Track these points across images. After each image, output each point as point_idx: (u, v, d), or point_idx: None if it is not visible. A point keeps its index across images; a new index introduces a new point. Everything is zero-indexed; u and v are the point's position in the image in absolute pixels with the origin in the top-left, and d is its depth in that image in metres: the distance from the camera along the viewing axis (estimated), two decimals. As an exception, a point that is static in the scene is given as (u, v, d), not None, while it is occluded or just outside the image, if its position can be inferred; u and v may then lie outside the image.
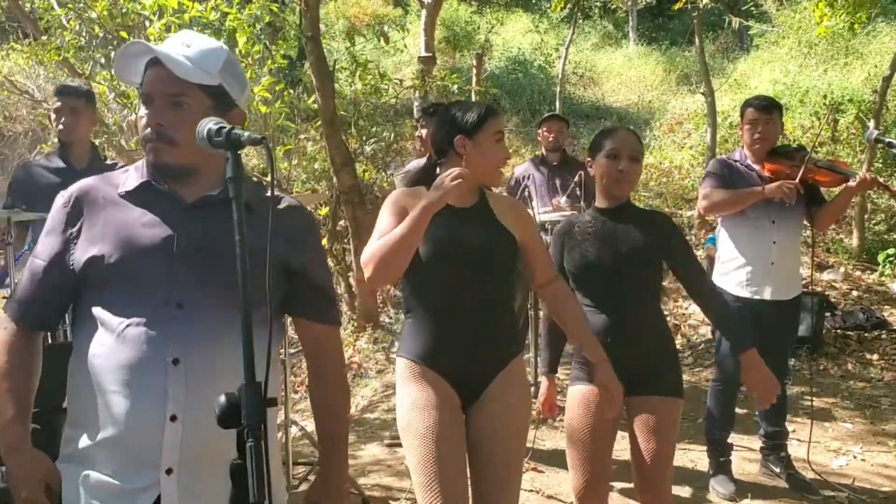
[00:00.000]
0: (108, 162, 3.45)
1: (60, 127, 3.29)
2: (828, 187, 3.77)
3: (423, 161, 4.47)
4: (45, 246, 1.54)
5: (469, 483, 2.11)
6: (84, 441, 1.47)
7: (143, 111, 1.52)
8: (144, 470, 1.43)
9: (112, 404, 1.43)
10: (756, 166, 3.46)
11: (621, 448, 2.63)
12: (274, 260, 1.55)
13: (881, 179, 3.58)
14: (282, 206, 1.63)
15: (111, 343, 1.45)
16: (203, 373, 1.44)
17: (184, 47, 1.50)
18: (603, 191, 2.49)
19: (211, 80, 1.50)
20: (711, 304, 2.49)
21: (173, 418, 1.42)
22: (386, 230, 2.02)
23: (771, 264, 3.39)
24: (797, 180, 3.29)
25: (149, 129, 1.49)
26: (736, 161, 3.52)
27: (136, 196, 1.53)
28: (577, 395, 2.43)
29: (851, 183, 3.35)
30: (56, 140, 3.42)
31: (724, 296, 3.46)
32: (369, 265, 1.98)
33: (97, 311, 1.48)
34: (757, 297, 3.40)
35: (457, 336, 2.09)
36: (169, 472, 1.43)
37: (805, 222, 3.53)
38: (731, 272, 3.46)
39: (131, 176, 1.57)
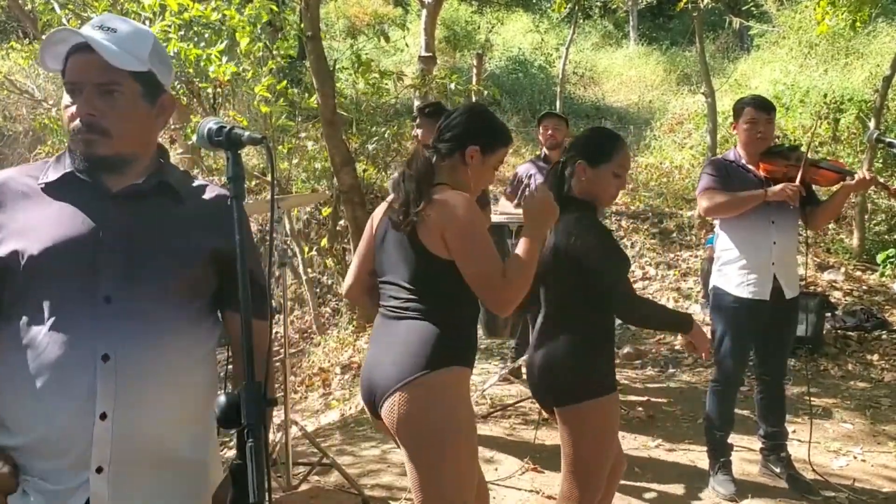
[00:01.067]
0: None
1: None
2: (825, 186, 3.76)
3: None
4: None
5: None
6: (11, 442, 1.41)
7: (67, 100, 1.45)
8: (74, 470, 1.38)
9: (39, 403, 1.37)
10: (751, 166, 3.45)
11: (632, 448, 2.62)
12: (206, 246, 1.50)
13: (881, 179, 3.57)
14: (208, 195, 1.58)
15: (38, 340, 1.39)
16: (135, 369, 1.39)
17: (109, 32, 1.44)
18: (597, 202, 2.43)
19: (141, 67, 1.45)
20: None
21: (103, 416, 1.37)
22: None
23: (772, 265, 3.40)
24: (798, 181, 3.29)
25: (78, 120, 1.43)
26: (731, 161, 3.50)
27: (57, 188, 1.46)
28: (603, 410, 2.32)
29: (850, 181, 3.35)
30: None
31: (724, 297, 3.46)
32: None
33: (21, 307, 1.41)
34: (758, 297, 3.40)
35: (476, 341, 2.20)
36: (99, 470, 1.38)
37: (799, 222, 3.52)
38: (732, 273, 3.45)
39: (52, 167, 1.50)
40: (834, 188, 3.60)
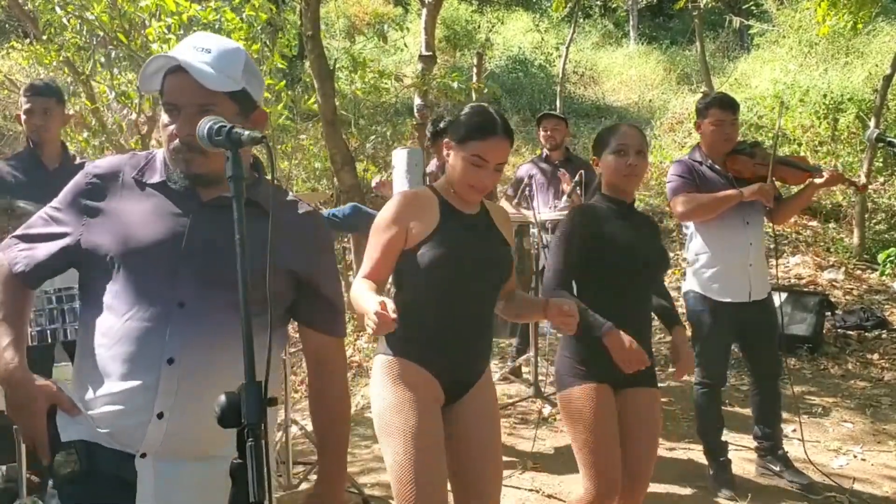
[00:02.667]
0: (78, 162, 3.39)
1: (32, 127, 3.25)
2: (793, 184, 3.74)
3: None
4: (63, 215, 1.54)
5: (453, 475, 2.16)
6: (82, 404, 1.49)
7: (166, 119, 1.51)
8: (122, 449, 1.45)
9: (104, 392, 1.45)
10: (718, 166, 3.42)
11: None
12: (283, 266, 1.54)
13: (847, 176, 3.58)
14: (296, 213, 1.63)
15: (113, 331, 1.46)
16: (197, 374, 1.45)
17: (204, 53, 1.49)
18: (611, 188, 2.50)
19: (236, 86, 1.50)
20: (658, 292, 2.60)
21: (160, 415, 1.43)
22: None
23: (749, 266, 3.37)
24: (769, 180, 3.28)
25: (178, 140, 1.49)
26: (698, 162, 3.45)
27: (154, 188, 1.54)
28: (592, 394, 2.37)
29: (818, 180, 3.34)
30: (27, 140, 3.37)
31: (702, 301, 3.42)
32: None
33: (104, 295, 1.48)
34: (739, 300, 3.37)
35: (453, 340, 2.11)
36: (143, 455, 1.45)
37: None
38: (710, 277, 3.40)
39: (155, 167, 1.57)
40: (800, 186, 3.59)
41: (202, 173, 1.51)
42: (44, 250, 1.54)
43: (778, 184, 3.55)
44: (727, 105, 3.39)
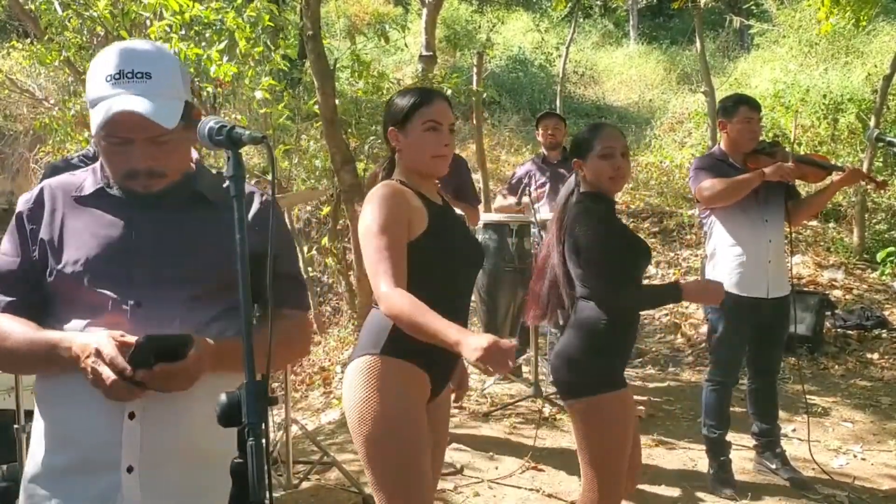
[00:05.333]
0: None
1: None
2: (813, 182, 3.78)
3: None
4: (12, 246, 1.53)
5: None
6: (45, 450, 1.45)
7: (115, 147, 1.47)
8: (105, 470, 1.41)
9: (70, 403, 1.43)
10: (738, 165, 3.47)
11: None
12: (229, 247, 1.49)
13: (881, 177, 3.60)
14: (247, 192, 1.60)
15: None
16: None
17: (145, 81, 1.44)
18: (596, 188, 2.46)
19: (182, 104, 1.48)
20: None
21: (131, 416, 1.41)
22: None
23: (768, 262, 3.42)
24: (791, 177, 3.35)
25: (134, 167, 1.47)
26: (719, 159, 3.51)
27: (92, 199, 1.53)
28: (625, 401, 2.34)
29: (836, 176, 3.41)
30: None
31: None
32: None
33: (59, 312, 1.48)
34: (755, 295, 3.41)
35: None
36: (129, 470, 1.41)
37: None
38: (730, 271, 3.45)
39: (88, 179, 1.56)
40: (821, 184, 3.64)
41: (161, 189, 1.52)
42: (20, 291, 1.51)
43: (799, 182, 3.60)
44: (755, 104, 3.50)
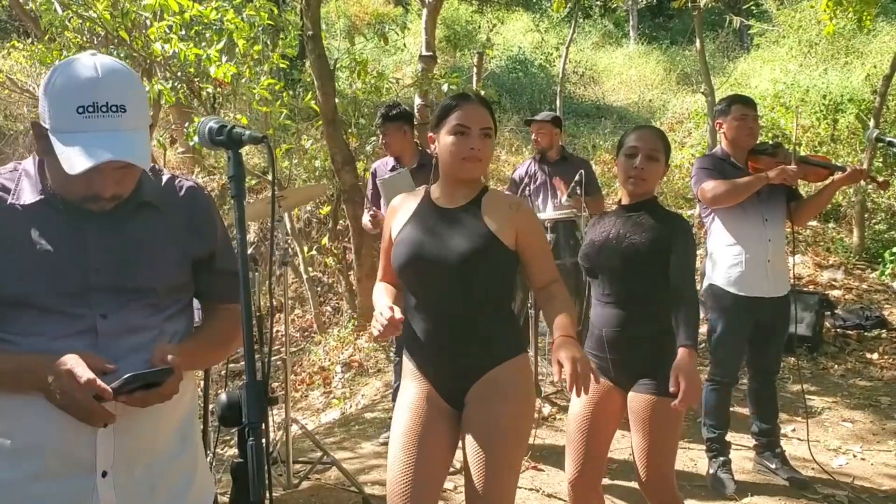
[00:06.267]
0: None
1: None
2: (815, 182, 3.79)
3: (388, 161, 4.47)
4: None
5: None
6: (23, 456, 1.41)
7: (83, 173, 1.34)
8: (82, 476, 1.41)
9: (35, 416, 1.39)
10: (740, 165, 3.48)
11: (623, 447, 2.63)
12: (187, 255, 1.55)
13: (881, 177, 3.61)
14: (182, 191, 1.60)
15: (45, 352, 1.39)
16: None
17: (121, 115, 1.36)
18: (621, 188, 2.53)
19: (148, 130, 1.47)
20: (678, 303, 2.33)
21: (104, 424, 1.38)
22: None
23: (767, 262, 3.43)
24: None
25: (99, 193, 1.43)
26: (721, 159, 3.52)
27: (34, 209, 1.44)
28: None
29: (839, 175, 3.42)
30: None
31: (723, 294, 3.46)
32: None
33: (20, 327, 1.40)
34: (755, 294, 3.42)
35: (433, 337, 2.05)
36: (104, 474, 1.42)
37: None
38: (730, 270, 3.46)
39: (25, 188, 1.46)
40: (822, 184, 3.64)
41: (116, 207, 1.48)
42: None
43: (801, 183, 3.62)
44: (748, 101, 3.52)
